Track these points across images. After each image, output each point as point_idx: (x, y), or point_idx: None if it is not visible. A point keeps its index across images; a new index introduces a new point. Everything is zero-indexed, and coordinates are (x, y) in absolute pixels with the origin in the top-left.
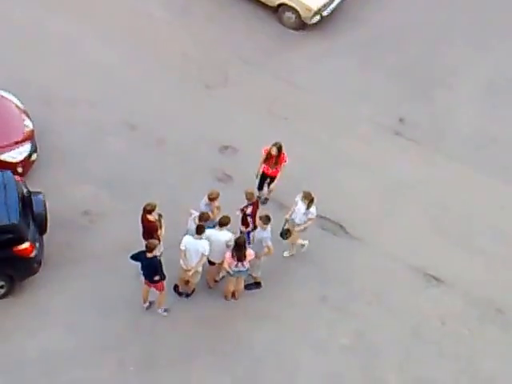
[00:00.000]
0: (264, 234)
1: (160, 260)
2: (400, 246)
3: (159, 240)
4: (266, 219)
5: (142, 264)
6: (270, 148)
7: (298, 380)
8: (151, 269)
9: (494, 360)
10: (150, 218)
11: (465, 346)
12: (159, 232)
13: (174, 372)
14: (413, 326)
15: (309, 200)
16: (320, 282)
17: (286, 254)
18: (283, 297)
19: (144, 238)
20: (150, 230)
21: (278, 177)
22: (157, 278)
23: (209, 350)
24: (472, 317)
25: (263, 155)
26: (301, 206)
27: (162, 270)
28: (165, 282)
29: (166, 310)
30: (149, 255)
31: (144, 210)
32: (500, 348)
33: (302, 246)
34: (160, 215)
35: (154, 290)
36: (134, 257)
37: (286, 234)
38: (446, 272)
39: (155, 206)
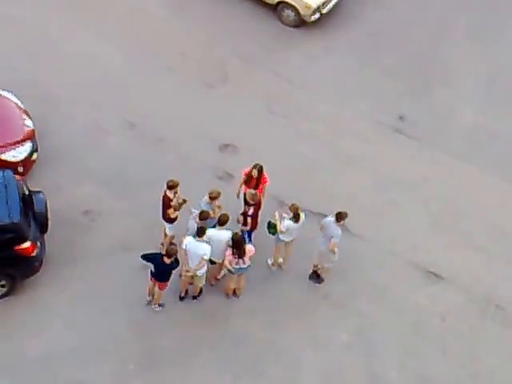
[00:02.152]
0: (338, 231)
1: (175, 265)
2: (400, 243)
3: (168, 218)
4: (341, 216)
5: (156, 266)
6: (251, 170)
7: (299, 377)
8: (165, 273)
9: (495, 356)
10: (168, 193)
11: (465, 342)
12: (170, 211)
13: (175, 370)
14: (413, 322)
15: (295, 214)
16: None
17: (269, 261)
18: (284, 294)
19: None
20: (163, 206)
21: (261, 198)
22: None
23: (210, 347)
24: (472, 313)
25: (243, 177)
26: (290, 225)
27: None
28: (168, 283)
29: (160, 305)
30: (167, 261)
31: (166, 185)
32: (500, 344)
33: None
34: (184, 200)
35: (156, 287)
36: (148, 258)
37: (272, 227)
38: (447, 269)
39: (176, 184)
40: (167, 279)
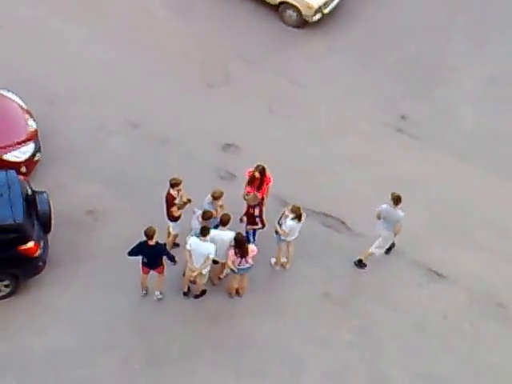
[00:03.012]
0: (401, 213)
1: (162, 245)
2: (402, 242)
3: (171, 216)
4: (398, 199)
5: (145, 255)
6: (253, 171)
7: (302, 375)
8: (156, 256)
9: (496, 354)
10: (171, 191)
11: (467, 341)
12: (173, 209)
13: (179, 369)
14: (415, 321)
15: (297, 214)
16: (323, 279)
17: (272, 260)
18: (286, 293)
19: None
20: (166, 203)
21: (264, 197)
22: (160, 262)
23: (213, 346)
24: (474, 311)
25: (247, 178)
26: (293, 225)
27: (168, 253)
28: (164, 266)
29: (161, 293)
30: (151, 243)
31: (169, 183)
32: (502, 342)
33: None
34: (188, 199)
35: (156, 273)
36: (134, 251)
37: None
38: (448, 267)
39: (179, 182)
40: (161, 263)
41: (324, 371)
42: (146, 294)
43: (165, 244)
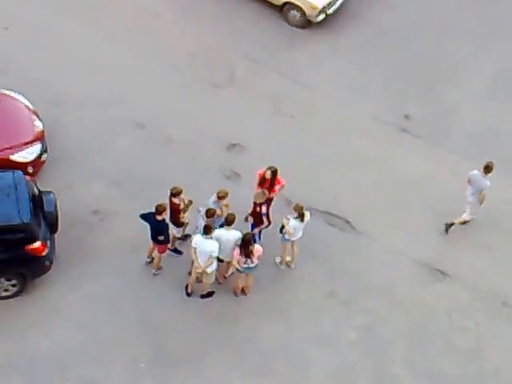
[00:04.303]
0: (487, 183)
1: (167, 224)
2: (406, 241)
3: (180, 223)
4: (489, 168)
5: (150, 226)
6: (265, 172)
7: (307, 374)
8: (158, 230)
9: (500, 352)
10: (175, 200)
11: (471, 339)
12: (181, 215)
13: (185, 368)
14: (420, 319)
15: (299, 213)
16: (327, 278)
17: (277, 259)
18: (291, 292)
19: (170, 219)
20: (172, 212)
21: (273, 198)
22: (161, 238)
23: (219, 345)
24: (478, 310)
25: (257, 178)
26: (296, 225)
27: (168, 233)
28: (166, 246)
29: (160, 268)
30: (158, 218)
31: (170, 192)
32: (506, 340)
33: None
34: (190, 201)
35: (155, 250)
36: (144, 216)
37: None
38: (452, 266)
39: (181, 191)
40: (163, 241)
41: (329, 370)
42: (150, 262)
43: (167, 225)
